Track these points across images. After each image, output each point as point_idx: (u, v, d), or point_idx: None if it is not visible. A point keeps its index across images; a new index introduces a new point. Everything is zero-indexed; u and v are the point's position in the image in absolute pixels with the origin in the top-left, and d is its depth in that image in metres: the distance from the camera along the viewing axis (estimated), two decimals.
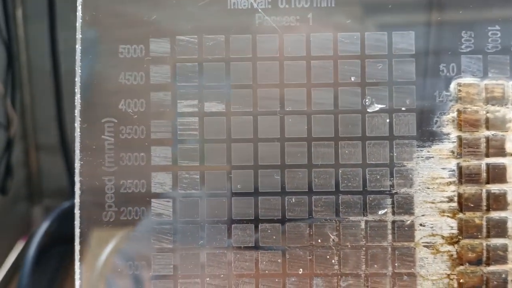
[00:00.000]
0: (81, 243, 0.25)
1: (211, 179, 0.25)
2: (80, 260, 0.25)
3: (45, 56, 0.43)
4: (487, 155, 0.24)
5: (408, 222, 0.24)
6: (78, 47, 0.25)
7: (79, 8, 0.25)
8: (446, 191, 0.24)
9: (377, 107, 0.24)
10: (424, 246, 0.24)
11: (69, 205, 0.40)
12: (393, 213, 0.24)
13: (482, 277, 0.24)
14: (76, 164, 0.25)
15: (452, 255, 0.24)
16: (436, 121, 0.24)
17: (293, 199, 0.24)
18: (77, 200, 0.25)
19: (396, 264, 0.24)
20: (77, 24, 0.25)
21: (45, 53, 0.43)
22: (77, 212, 0.25)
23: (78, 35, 0.25)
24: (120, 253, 0.25)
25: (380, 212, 0.24)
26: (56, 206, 0.42)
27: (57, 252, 0.39)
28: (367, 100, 0.24)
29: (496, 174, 0.24)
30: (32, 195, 0.45)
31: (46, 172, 0.45)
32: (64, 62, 0.43)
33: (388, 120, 0.24)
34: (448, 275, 0.24)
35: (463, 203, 0.24)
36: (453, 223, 0.24)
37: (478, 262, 0.24)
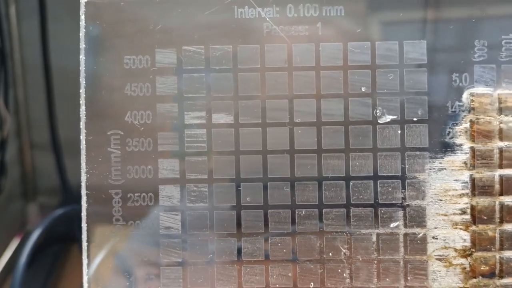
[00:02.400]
0: (88, 257, 0.24)
1: (219, 192, 0.24)
2: (88, 274, 0.25)
3: (39, 53, 0.42)
4: (500, 167, 0.23)
5: (421, 235, 0.24)
6: (82, 57, 0.25)
7: (82, 17, 0.25)
8: (459, 203, 0.24)
9: (388, 118, 0.24)
10: (437, 259, 0.24)
11: (65, 209, 0.40)
12: (405, 225, 0.24)
13: None
14: (82, 177, 0.25)
15: (465, 268, 0.24)
16: (449, 132, 0.24)
17: (303, 212, 0.24)
18: (84, 213, 0.24)
19: (408, 278, 0.24)
20: (80, 35, 0.25)
21: (39, 51, 0.42)
22: (84, 225, 0.24)
23: (82, 45, 0.25)
24: (127, 266, 0.25)
25: (392, 225, 0.24)
26: (50, 204, 0.42)
27: (52, 252, 0.39)
28: (378, 111, 0.24)
29: (510, 186, 0.23)
30: (27, 193, 0.45)
31: (40, 170, 0.45)
32: (57, 59, 0.42)
33: (399, 131, 0.24)
34: None
35: (476, 216, 0.23)
36: (466, 235, 0.24)
37: (491, 275, 0.23)
